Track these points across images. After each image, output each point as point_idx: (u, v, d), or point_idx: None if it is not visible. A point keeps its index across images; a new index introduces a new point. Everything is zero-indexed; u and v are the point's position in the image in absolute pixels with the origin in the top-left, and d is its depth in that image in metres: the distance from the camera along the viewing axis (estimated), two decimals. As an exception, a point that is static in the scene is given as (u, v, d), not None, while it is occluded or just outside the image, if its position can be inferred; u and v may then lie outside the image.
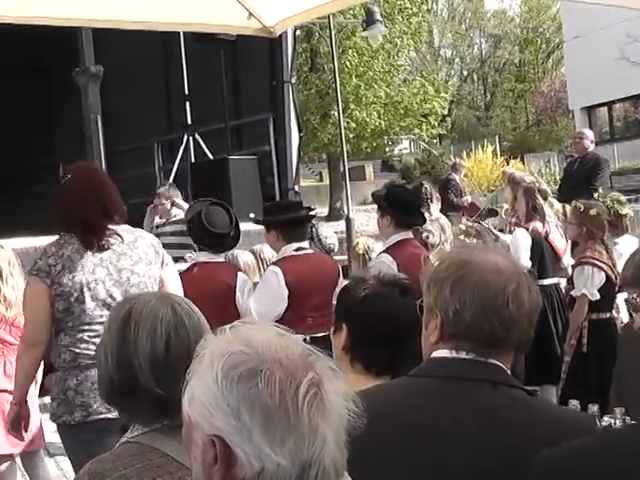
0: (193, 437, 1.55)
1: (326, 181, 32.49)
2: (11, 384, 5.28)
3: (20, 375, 4.08)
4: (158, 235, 7.86)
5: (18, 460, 5.59)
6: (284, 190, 12.69)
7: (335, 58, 15.80)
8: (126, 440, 2.15)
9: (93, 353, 3.90)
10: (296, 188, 13.02)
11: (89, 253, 3.99)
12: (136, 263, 4.11)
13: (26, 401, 4.17)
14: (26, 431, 4.22)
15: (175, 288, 4.17)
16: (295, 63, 13.49)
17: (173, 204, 9.66)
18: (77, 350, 3.97)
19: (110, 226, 4.08)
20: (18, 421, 4.14)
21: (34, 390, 5.48)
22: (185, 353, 2.09)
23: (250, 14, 4.39)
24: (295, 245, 5.53)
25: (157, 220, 9.58)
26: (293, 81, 13.10)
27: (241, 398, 1.48)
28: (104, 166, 11.89)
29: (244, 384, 1.48)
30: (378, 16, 18.19)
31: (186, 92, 13.03)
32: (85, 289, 3.96)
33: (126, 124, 13.22)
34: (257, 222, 6.21)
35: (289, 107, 12.83)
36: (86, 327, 3.98)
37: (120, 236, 4.10)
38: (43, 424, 5.48)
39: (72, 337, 3.97)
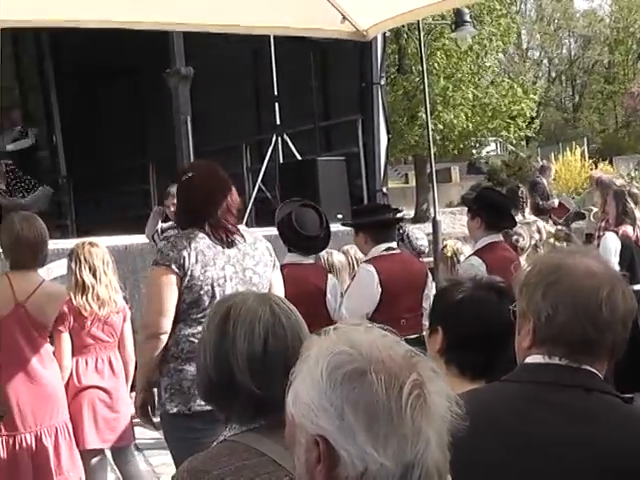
0: (297, 437, 1.55)
1: (412, 183, 32.39)
2: (102, 380, 5.39)
3: (143, 364, 4.12)
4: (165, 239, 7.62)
5: (108, 455, 5.68)
6: (372, 192, 12.67)
7: (423, 60, 15.75)
8: (224, 439, 2.16)
9: None
10: (384, 190, 12.99)
11: (219, 249, 4.07)
12: (257, 264, 4.21)
13: (149, 388, 4.20)
14: (154, 416, 4.23)
15: (280, 291, 4.24)
16: (384, 65, 13.46)
17: None
18: (196, 341, 3.99)
19: (234, 225, 4.19)
20: (145, 408, 4.17)
21: (125, 385, 5.58)
22: (282, 353, 2.11)
23: (344, 17, 4.40)
24: (384, 245, 5.52)
25: (161, 224, 8.78)
26: (382, 83, 13.08)
27: (345, 398, 1.48)
28: (191, 167, 12.03)
29: (348, 384, 1.48)
30: (467, 17, 18.08)
31: (275, 93, 13.09)
32: (215, 284, 4.03)
33: (215, 125, 13.35)
34: (345, 225, 6.20)
35: (378, 109, 12.81)
36: (197, 320, 4.04)
37: (243, 235, 4.18)
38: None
39: (193, 328, 4.02)
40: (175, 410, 4.04)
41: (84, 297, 5.28)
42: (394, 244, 5.69)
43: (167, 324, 3.99)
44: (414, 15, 4.41)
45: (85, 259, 5.34)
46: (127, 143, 14.58)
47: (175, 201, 8.55)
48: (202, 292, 4.02)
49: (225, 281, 4.07)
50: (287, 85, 13.02)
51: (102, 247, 5.49)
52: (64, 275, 7.79)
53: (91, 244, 5.45)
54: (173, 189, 8.66)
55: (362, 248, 5.73)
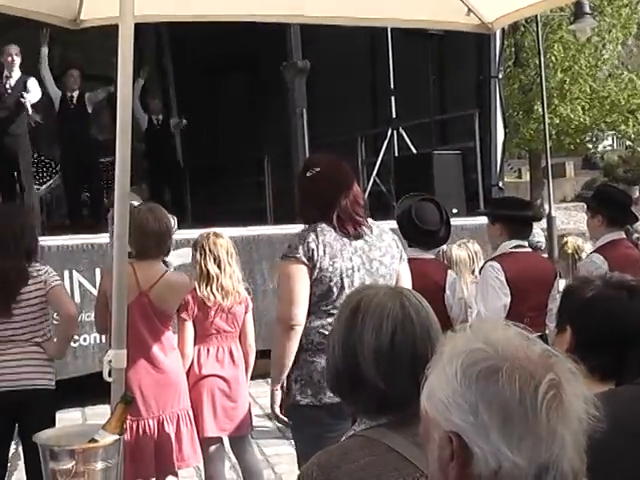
0: (430, 433, 1.55)
1: (525, 178, 31.97)
2: (222, 370, 5.46)
3: (280, 357, 4.07)
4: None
5: (226, 444, 5.75)
6: (487, 186, 12.56)
7: (541, 52, 15.54)
8: (353, 433, 2.17)
9: None
10: (500, 184, 12.87)
11: (346, 241, 4.08)
12: (384, 255, 4.21)
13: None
14: (282, 413, 4.20)
15: (408, 283, 4.24)
16: (502, 58, 13.32)
17: None
18: (327, 333, 4.00)
19: (362, 216, 4.21)
20: (282, 404, 4.17)
21: (244, 375, 5.65)
22: (410, 348, 2.09)
23: (469, 10, 4.36)
24: (515, 242, 5.43)
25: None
26: (500, 76, 12.93)
27: (480, 395, 1.47)
28: (308, 159, 12.11)
29: (483, 381, 1.47)
30: (587, 9, 17.73)
31: (392, 86, 13.08)
32: (344, 275, 4.04)
33: (331, 118, 13.39)
34: (484, 214, 6.11)
35: (495, 102, 12.68)
36: (328, 313, 4.05)
37: (370, 227, 4.21)
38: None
39: (323, 320, 4.03)
40: (305, 402, 4.04)
41: (208, 287, 5.35)
42: (525, 242, 5.59)
43: (302, 315, 4.01)
44: (542, 6, 4.34)
45: (210, 250, 5.42)
46: (243, 136, 14.74)
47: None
48: (331, 284, 4.03)
49: (353, 272, 4.07)
50: (403, 78, 12.98)
51: (226, 238, 5.56)
52: (181, 264, 7.98)
53: (216, 235, 5.53)
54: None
55: (494, 239, 5.61)
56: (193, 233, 8.53)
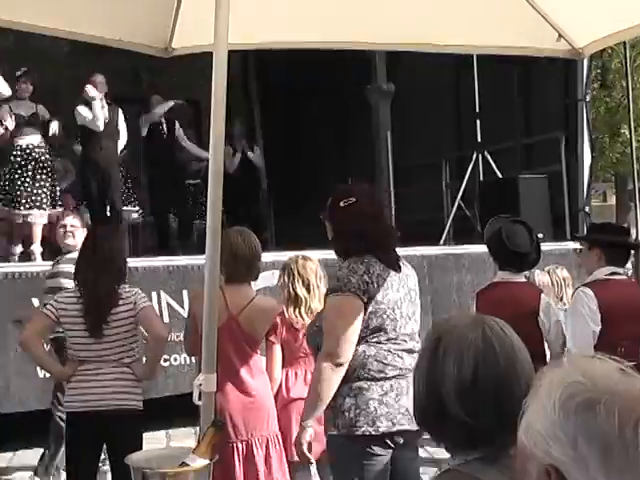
0: (527, 466, 1.54)
1: (610, 201, 31.45)
2: (305, 389, 5.46)
3: (324, 393, 3.92)
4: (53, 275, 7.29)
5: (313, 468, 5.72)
6: (574, 211, 12.40)
7: (628, 75, 15.27)
8: (449, 468, 2.15)
9: (400, 365, 3.97)
10: (586, 209, 12.70)
11: (392, 272, 4.02)
12: (415, 284, 4.19)
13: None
14: (310, 453, 4.03)
15: None
16: (590, 81, 13.17)
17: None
18: (385, 361, 3.95)
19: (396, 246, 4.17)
20: (307, 444, 3.97)
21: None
22: (494, 381, 2.04)
23: (560, 35, 4.33)
24: (611, 269, 5.33)
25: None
26: (587, 99, 12.78)
27: (578, 428, 1.45)
28: (392, 182, 12.14)
29: (582, 414, 1.46)
30: (677, 31, 17.42)
31: (477, 109, 13.02)
32: (395, 307, 3.98)
33: (415, 141, 13.39)
34: (582, 239, 6.02)
35: (582, 126, 12.52)
36: (394, 341, 4.00)
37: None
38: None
39: (379, 349, 3.97)
40: (360, 431, 3.92)
41: (297, 310, 5.38)
42: (621, 270, 5.47)
43: (351, 353, 3.91)
44: (633, 32, 4.27)
45: (299, 273, 5.45)
46: (327, 159, 14.82)
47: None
48: (385, 316, 3.95)
49: (402, 303, 4.02)
50: (489, 101, 12.92)
51: (315, 261, 5.58)
52: (266, 287, 8.04)
53: (305, 258, 5.55)
54: (69, 218, 7.63)
55: (589, 265, 5.50)
56: (277, 256, 8.63)
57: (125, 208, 11.12)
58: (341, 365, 3.87)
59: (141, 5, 4.20)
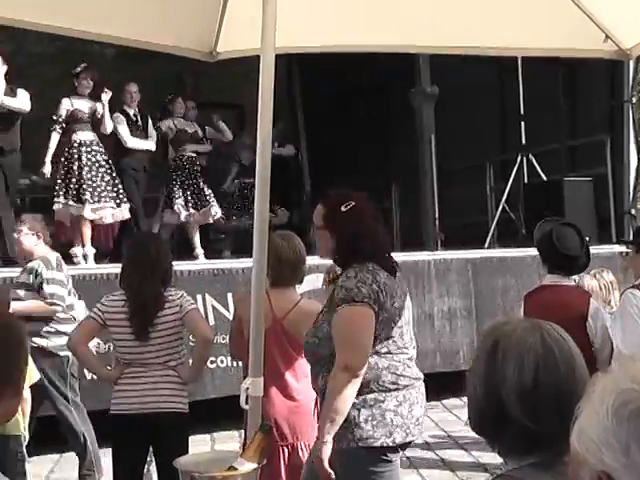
0: (580, 472, 1.53)
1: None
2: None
3: (343, 407, 3.83)
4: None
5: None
6: (620, 214, 12.30)
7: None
8: (501, 473, 2.13)
9: (410, 374, 3.98)
10: (632, 212, 12.58)
11: (394, 280, 3.99)
12: (406, 287, 4.16)
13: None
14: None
15: None
16: (636, 82, 13.05)
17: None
18: (397, 372, 3.93)
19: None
20: (323, 464, 3.84)
21: None
22: (554, 385, 2.04)
23: (606, 36, 4.28)
24: None
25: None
26: (634, 101, 12.66)
27: (631, 435, 1.45)
28: (436, 185, 12.11)
29: (635, 422, 1.46)
30: None
31: (521, 112, 12.96)
32: (401, 314, 3.98)
33: (459, 144, 13.34)
34: (631, 243, 5.96)
35: (628, 128, 12.41)
36: (403, 350, 3.98)
37: None
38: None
39: (390, 360, 3.94)
40: (379, 443, 3.89)
41: None
42: None
43: (366, 364, 3.85)
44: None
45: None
46: (371, 162, 14.81)
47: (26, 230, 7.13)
48: (393, 324, 3.93)
49: (403, 310, 4.00)
50: (533, 103, 12.85)
51: None
52: (312, 290, 8.05)
53: None
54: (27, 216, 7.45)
55: (638, 268, 5.47)
56: (321, 259, 8.64)
57: (168, 210, 11.14)
58: (358, 377, 3.82)
59: (187, 10, 4.22)
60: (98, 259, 9.88)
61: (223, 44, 4.48)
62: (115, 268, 8.12)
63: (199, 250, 10.72)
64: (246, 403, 3.47)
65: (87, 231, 9.86)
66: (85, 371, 8.20)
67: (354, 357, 3.81)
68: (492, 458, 2.22)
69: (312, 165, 14.89)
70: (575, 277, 5.94)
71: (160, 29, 4.32)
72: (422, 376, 4.13)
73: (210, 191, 11.11)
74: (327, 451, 3.81)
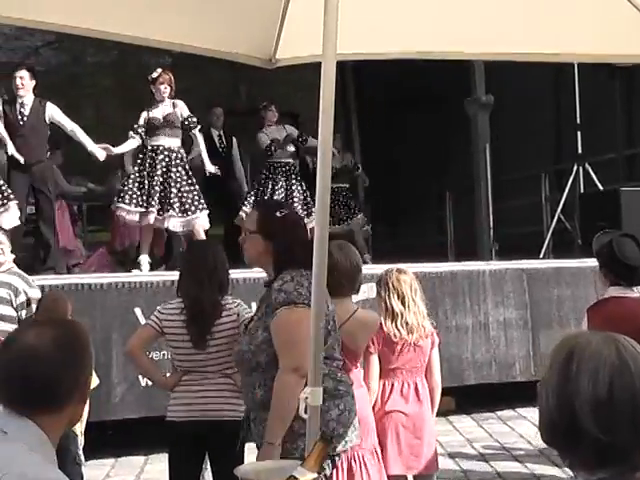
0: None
1: None
2: (406, 405, 5.43)
3: (292, 410, 3.69)
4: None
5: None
6: (678, 224, 12.11)
7: None
8: (569, 487, 2.10)
9: (347, 381, 4.03)
10: (691, 222, 12.38)
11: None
12: None
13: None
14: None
15: None
16: (696, 89, 12.88)
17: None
18: (337, 378, 3.94)
19: None
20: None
21: (430, 411, 5.59)
22: (629, 399, 2.01)
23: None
24: None
25: None
26: (694, 108, 12.49)
27: None
28: (490, 195, 12.04)
29: None
30: None
31: (577, 121, 12.83)
32: (334, 319, 3.99)
33: (514, 153, 13.26)
34: None
35: (687, 136, 12.26)
36: (338, 357, 4.00)
37: None
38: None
39: (330, 366, 3.92)
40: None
41: (393, 323, 5.37)
42: None
43: (308, 363, 3.70)
44: None
45: (394, 286, 5.44)
46: (425, 170, 14.76)
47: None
48: (328, 327, 3.91)
49: (332, 317, 4.01)
50: (590, 112, 12.72)
51: (410, 274, 5.55)
52: (365, 300, 8.02)
53: (399, 271, 5.53)
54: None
55: None
56: (374, 268, 8.61)
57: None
58: (304, 379, 3.71)
59: (246, 16, 4.22)
60: (155, 266, 9.93)
61: (282, 51, 4.47)
62: (172, 276, 8.19)
63: None
64: (305, 412, 3.44)
65: (149, 238, 9.89)
66: (139, 377, 8.29)
67: (301, 358, 3.72)
68: (547, 471, 2.17)
69: (366, 174, 14.87)
70: (634, 288, 5.84)
71: (220, 36, 4.32)
72: (353, 382, 4.19)
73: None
74: (276, 453, 3.73)
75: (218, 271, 5.16)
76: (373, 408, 5.32)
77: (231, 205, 11.48)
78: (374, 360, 5.38)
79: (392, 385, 5.46)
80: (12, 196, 9.15)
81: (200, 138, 10.32)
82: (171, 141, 9.98)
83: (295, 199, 11.03)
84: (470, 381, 9.99)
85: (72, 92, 15.10)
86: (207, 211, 9.87)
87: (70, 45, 15.50)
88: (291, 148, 11.46)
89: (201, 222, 9.79)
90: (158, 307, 5.32)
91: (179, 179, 9.84)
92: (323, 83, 3.30)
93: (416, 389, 5.49)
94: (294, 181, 11.26)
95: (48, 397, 2.24)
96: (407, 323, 5.38)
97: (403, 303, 5.42)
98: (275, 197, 10.95)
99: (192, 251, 5.48)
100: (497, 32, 4.25)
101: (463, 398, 10.07)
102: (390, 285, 5.46)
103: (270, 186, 11.11)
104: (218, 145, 11.60)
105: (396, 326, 5.37)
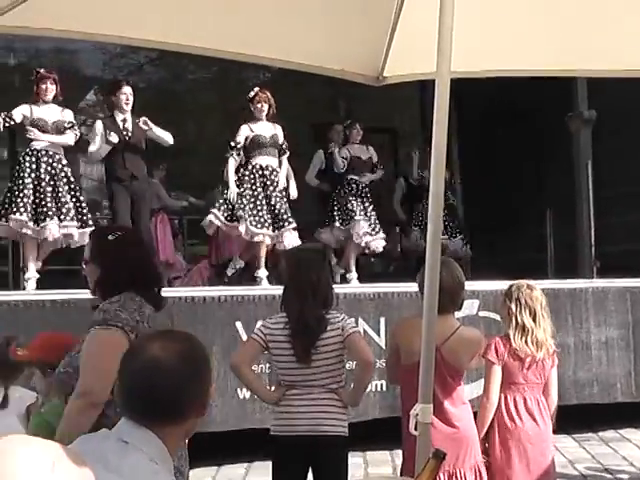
0: None
1: None
2: (529, 421, 5.40)
3: (70, 434, 3.23)
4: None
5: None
6: None
7: None
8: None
9: None
10: None
11: (151, 309, 3.79)
12: None
13: None
14: None
15: None
16: None
17: None
18: None
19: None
20: None
21: (550, 428, 5.53)
22: None
23: None
24: None
25: None
26: None
27: None
28: (592, 212, 11.83)
29: None
30: None
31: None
32: None
33: (617, 170, 13.00)
34: None
35: None
36: None
37: None
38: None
39: None
40: None
41: (523, 339, 5.39)
42: None
43: (108, 393, 3.46)
44: None
45: (526, 302, 5.42)
46: (524, 186, 14.58)
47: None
48: None
49: None
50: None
51: (539, 290, 5.54)
52: (466, 316, 7.98)
53: (530, 287, 5.52)
54: None
55: None
56: (473, 285, 8.55)
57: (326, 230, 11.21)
58: (96, 407, 3.53)
59: (354, 33, 4.23)
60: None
61: (390, 68, 4.47)
62: (273, 290, 8.27)
63: (354, 274, 10.74)
64: (415, 429, 3.44)
65: (262, 253, 9.95)
66: (237, 390, 8.37)
67: (94, 383, 3.53)
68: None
69: (464, 190, 14.78)
70: None
71: (327, 53, 4.34)
72: None
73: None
74: None
75: (322, 285, 5.18)
76: (493, 421, 5.32)
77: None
78: (496, 371, 5.40)
79: (514, 399, 5.46)
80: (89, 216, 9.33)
81: (286, 163, 10.40)
82: (272, 160, 10.11)
83: (361, 217, 11.01)
84: (572, 401, 9.83)
85: (173, 108, 15.38)
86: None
87: (171, 62, 15.79)
88: (367, 169, 11.44)
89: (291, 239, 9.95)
90: (262, 321, 5.36)
91: (277, 196, 9.97)
92: (437, 100, 3.31)
93: (539, 405, 5.49)
94: (365, 200, 11.25)
95: (171, 410, 2.28)
96: (537, 340, 5.39)
97: (534, 319, 5.42)
98: (345, 214, 11.01)
99: (296, 265, 5.52)
100: (605, 49, 4.19)
101: (564, 418, 9.90)
102: (522, 301, 5.45)
103: (344, 203, 11.12)
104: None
105: (526, 342, 5.39)
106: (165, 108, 14.66)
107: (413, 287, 9.58)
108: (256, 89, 10.21)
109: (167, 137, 9.74)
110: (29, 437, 1.61)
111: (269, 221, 9.77)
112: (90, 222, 9.26)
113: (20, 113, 9.19)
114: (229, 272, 10.19)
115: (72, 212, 9.06)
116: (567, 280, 10.51)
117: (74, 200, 9.16)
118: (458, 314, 6.31)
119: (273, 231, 9.81)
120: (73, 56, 15.20)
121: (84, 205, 9.30)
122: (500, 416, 5.38)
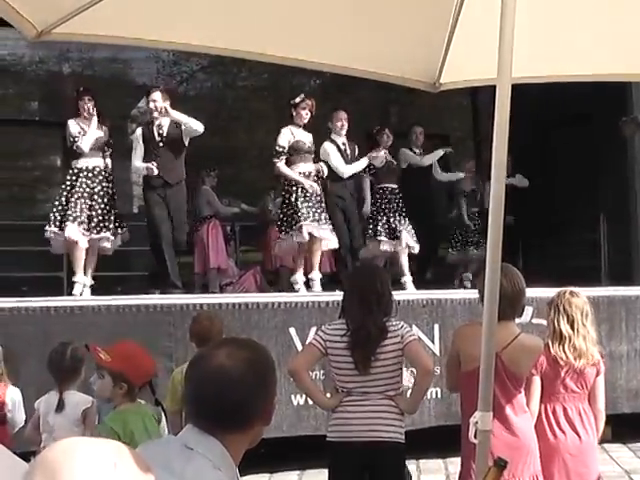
0: None
1: None
2: (571, 431, 5.32)
3: None
4: None
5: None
6: None
7: None
8: None
9: None
10: None
11: None
12: None
13: None
14: None
15: None
16: None
17: None
18: None
19: None
20: None
21: (594, 439, 5.45)
22: None
23: None
24: None
25: None
26: None
27: None
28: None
29: None
30: None
31: None
32: None
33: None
34: None
35: None
36: None
37: None
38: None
39: None
40: None
41: (561, 346, 5.30)
42: None
43: None
44: None
45: (564, 309, 5.35)
46: (577, 191, 14.44)
47: None
48: None
49: None
50: None
51: (583, 298, 5.45)
52: (520, 323, 7.90)
53: (572, 294, 5.44)
54: None
55: None
56: (526, 292, 8.48)
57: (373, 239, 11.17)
58: None
59: (412, 40, 4.22)
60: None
61: (447, 75, 4.45)
62: (327, 296, 8.27)
63: (408, 277, 10.67)
64: (475, 437, 3.41)
65: (317, 259, 9.96)
66: (291, 397, 8.38)
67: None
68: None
69: (516, 194, 14.65)
70: None
71: (385, 59, 4.33)
72: None
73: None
74: None
75: (385, 295, 5.18)
76: (536, 431, 5.26)
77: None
78: (535, 381, 5.32)
79: (554, 409, 5.38)
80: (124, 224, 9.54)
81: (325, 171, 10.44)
82: (310, 167, 10.15)
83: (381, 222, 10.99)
84: (624, 409, 9.70)
85: (224, 115, 15.46)
86: None
87: (223, 69, 15.87)
88: (393, 176, 11.39)
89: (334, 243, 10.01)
90: (322, 327, 5.36)
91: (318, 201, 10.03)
92: (498, 106, 3.28)
93: (580, 415, 5.39)
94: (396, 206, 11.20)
95: (237, 418, 2.28)
96: (575, 347, 5.31)
97: (572, 327, 5.34)
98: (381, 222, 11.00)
99: (360, 275, 5.50)
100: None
101: (618, 427, 9.79)
102: (560, 307, 5.39)
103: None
104: (343, 151, 11.49)
105: (563, 349, 5.30)
106: (216, 115, 14.75)
107: (467, 293, 9.58)
108: (302, 96, 10.23)
109: (195, 125, 9.74)
110: (91, 438, 1.64)
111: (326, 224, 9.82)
112: (125, 229, 9.50)
113: (76, 130, 9.49)
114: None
115: (111, 221, 9.37)
116: (621, 287, 10.38)
117: (110, 208, 9.42)
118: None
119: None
120: (126, 65, 15.34)
121: (117, 212, 9.60)
122: (540, 426, 5.28)
